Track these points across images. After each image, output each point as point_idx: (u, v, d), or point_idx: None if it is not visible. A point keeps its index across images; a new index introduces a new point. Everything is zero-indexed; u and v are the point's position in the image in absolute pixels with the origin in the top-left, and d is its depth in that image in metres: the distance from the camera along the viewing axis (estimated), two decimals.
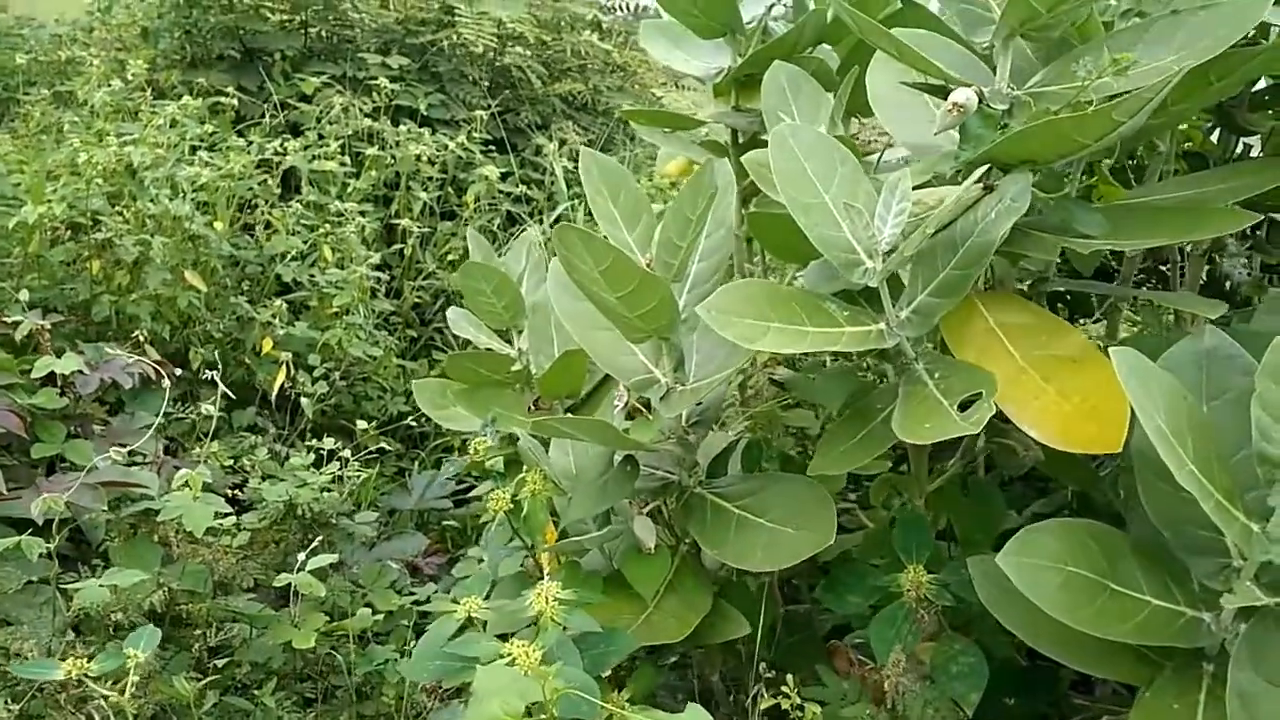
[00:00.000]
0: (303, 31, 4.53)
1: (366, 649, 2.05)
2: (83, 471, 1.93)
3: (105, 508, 1.97)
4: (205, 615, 2.04)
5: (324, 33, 4.56)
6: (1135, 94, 1.10)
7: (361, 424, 2.82)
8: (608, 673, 1.37)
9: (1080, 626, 1.10)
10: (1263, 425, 1.05)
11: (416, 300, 3.71)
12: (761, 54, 1.77)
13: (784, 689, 1.39)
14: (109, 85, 3.39)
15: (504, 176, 4.03)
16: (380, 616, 2.11)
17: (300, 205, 3.42)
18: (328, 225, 3.39)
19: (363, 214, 3.48)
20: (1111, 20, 1.37)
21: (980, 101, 1.26)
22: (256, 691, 1.94)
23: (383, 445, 2.79)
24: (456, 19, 4.56)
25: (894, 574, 1.43)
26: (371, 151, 3.71)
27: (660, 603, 1.48)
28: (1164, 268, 1.95)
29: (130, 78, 3.57)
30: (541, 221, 4.09)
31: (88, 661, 1.36)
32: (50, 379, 2.19)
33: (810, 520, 1.38)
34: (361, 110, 3.98)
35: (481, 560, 1.89)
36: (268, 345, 2.98)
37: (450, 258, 3.77)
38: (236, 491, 2.36)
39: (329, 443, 2.48)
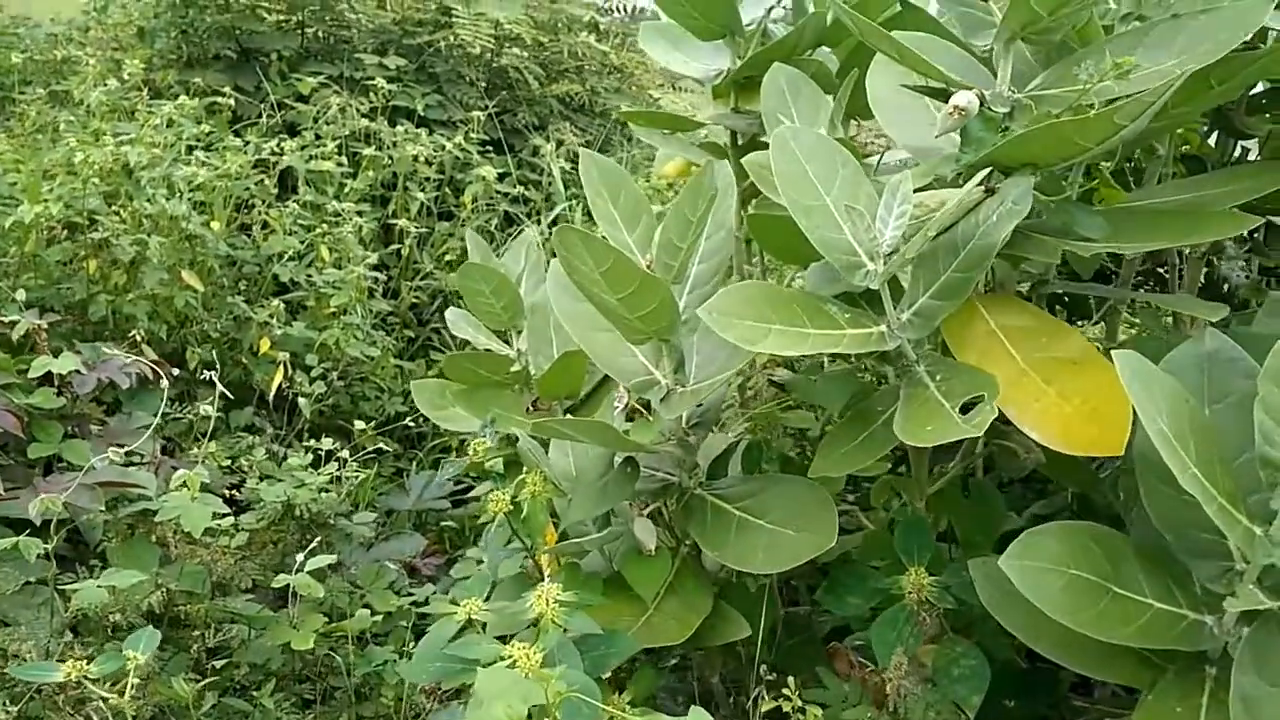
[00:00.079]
0: (299, 32, 4.53)
1: (365, 650, 2.05)
2: (80, 472, 1.93)
3: (103, 508, 1.96)
4: (203, 616, 2.04)
5: (320, 33, 4.55)
6: (1136, 98, 1.10)
7: (359, 424, 2.81)
8: (608, 675, 1.37)
9: (1082, 629, 1.10)
10: (1265, 429, 1.05)
11: (414, 300, 3.71)
12: (761, 56, 1.77)
13: (785, 691, 1.39)
14: (105, 85, 3.38)
15: (501, 177, 4.03)
16: (379, 617, 2.10)
17: (297, 205, 3.41)
18: (325, 225, 3.38)
19: (360, 214, 3.48)
20: (1112, 24, 1.37)
21: (981, 104, 1.26)
22: (255, 693, 1.93)
23: (380, 446, 2.79)
24: (454, 20, 4.55)
25: (894, 576, 1.43)
26: (368, 152, 3.70)
27: (660, 605, 1.48)
28: (1162, 270, 1.95)
29: (126, 77, 3.56)
30: (539, 222, 4.09)
31: (87, 663, 1.35)
32: (47, 379, 2.19)
33: (811, 522, 1.38)
34: (358, 111, 3.98)
35: (480, 561, 1.89)
36: (265, 345, 2.98)
37: (448, 258, 3.76)
38: (234, 492, 2.36)
39: (327, 443, 2.48)
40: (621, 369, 1.48)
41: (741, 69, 1.84)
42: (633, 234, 1.47)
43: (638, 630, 1.44)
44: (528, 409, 1.69)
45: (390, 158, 3.81)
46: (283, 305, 3.10)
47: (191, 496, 1.85)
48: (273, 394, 2.93)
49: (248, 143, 3.45)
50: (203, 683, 1.83)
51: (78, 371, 2.18)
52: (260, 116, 4.07)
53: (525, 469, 1.58)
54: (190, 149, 3.32)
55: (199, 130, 3.39)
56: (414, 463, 3.08)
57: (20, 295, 2.40)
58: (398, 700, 1.95)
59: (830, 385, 1.52)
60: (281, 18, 4.46)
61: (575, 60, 4.95)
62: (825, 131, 1.48)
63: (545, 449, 1.67)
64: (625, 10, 5.85)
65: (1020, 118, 1.29)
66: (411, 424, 3.13)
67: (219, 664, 2.00)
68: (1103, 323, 1.93)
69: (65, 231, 2.87)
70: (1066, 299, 1.93)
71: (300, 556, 1.91)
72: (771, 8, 1.87)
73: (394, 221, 3.73)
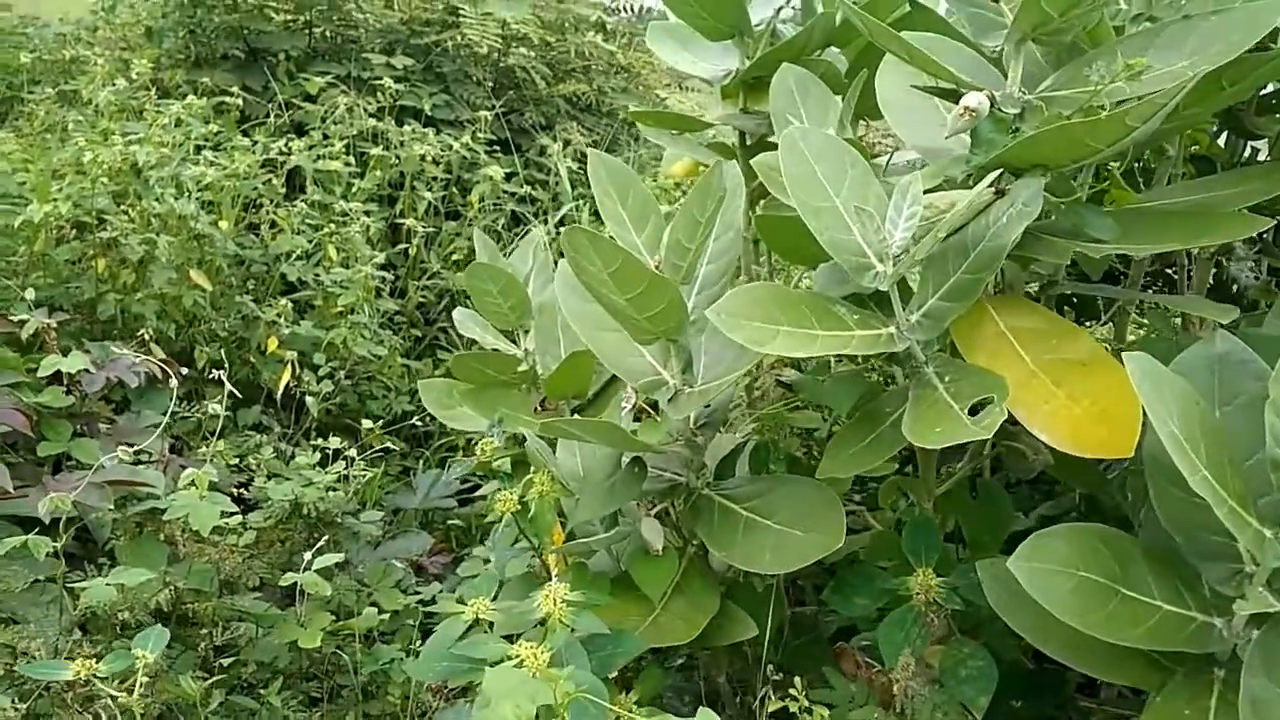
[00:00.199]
0: (307, 31, 4.54)
1: (372, 648, 2.05)
2: (89, 470, 1.93)
3: (111, 506, 1.97)
4: (211, 614, 2.05)
5: (328, 33, 4.56)
6: (1148, 99, 1.10)
7: (366, 423, 2.82)
8: (614, 674, 1.37)
9: (1091, 631, 1.10)
10: (1276, 431, 1.05)
11: (421, 300, 3.72)
12: (770, 56, 1.76)
13: (791, 691, 1.39)
14: (114, 84, 3.39)
15: (508, 177, 4.04)
16: (386, 616, 2.11)
17: (305, 205, 3.42)
18: (332, 225, 3.39)
19: (367, 214, 3.48)
20: (1123, 25, 1.37)
21: (992, 106, 1.26)
22: (262, 691, 1.94)
23: (388, 444, 2.79)
24: (461, 20, 4.56)
25: (902, 577, 1.43)
26: (376, 151, 3.71)
27: (668, 604, 1.48)
28: (1171, 271, 1.95)
29: (135, 77, 3.57)
30: (546, 222, 4.10)
31: (95, 661, 1.36)
32: (56, 377, 2.20)
33: (819, 523, 1.38)
34: (366, 110, 3.99)
35: (488, 560, 1.89)
36: (273, 344, 2.99)
37: (455, 258, 3.77)
38: (242, 490, 2.37)
39: (334, 442, 2.48)
40: (629, 369, 1.48)
41: (750, 69, 1.84)
42: (641, 234, 1.47)
43: (645, 630, 1.44)
44: (536, 409, 1.69)
45: (397, 157, 3.81)
46: (290, 304, 3.11)
47: (200, 495, 1.86)
48: (280, 393, 2.94)
49: (256, 142, 3.46)
50: (210, 680, 1.83)
51: (87, 370, 2.19)
52: (268, 116, 4.08)
53: (533, 469, 1.58)
54: (198, 148, 3.33)
55: (207, 130, 3.40)
56: (421, 461, 3.09)
57: (29, 294, 2.41)
58: (404, 698, 1.95)
59: (838, 386, 1.52)
60: (289, 17, 4.47)
61: (582, 60, 4.96)
62: (834, 132, 1.48)
63: (553, 449, 1.67)
64: (632, 10, 5.85)
65: (1031, 119, 1.29)
66: (419, 423, 3.13)
67: (226, 662, 2.00)
68: (1111, 323, 1.92)
69: (74, 231, 2.88)
70: (1075, 300, 1.93)
71: (308, 555, 1.91)
72: (780, 8, 1.87)
73: (401, 221, 3.74)
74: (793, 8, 1.91)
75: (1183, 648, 1.13)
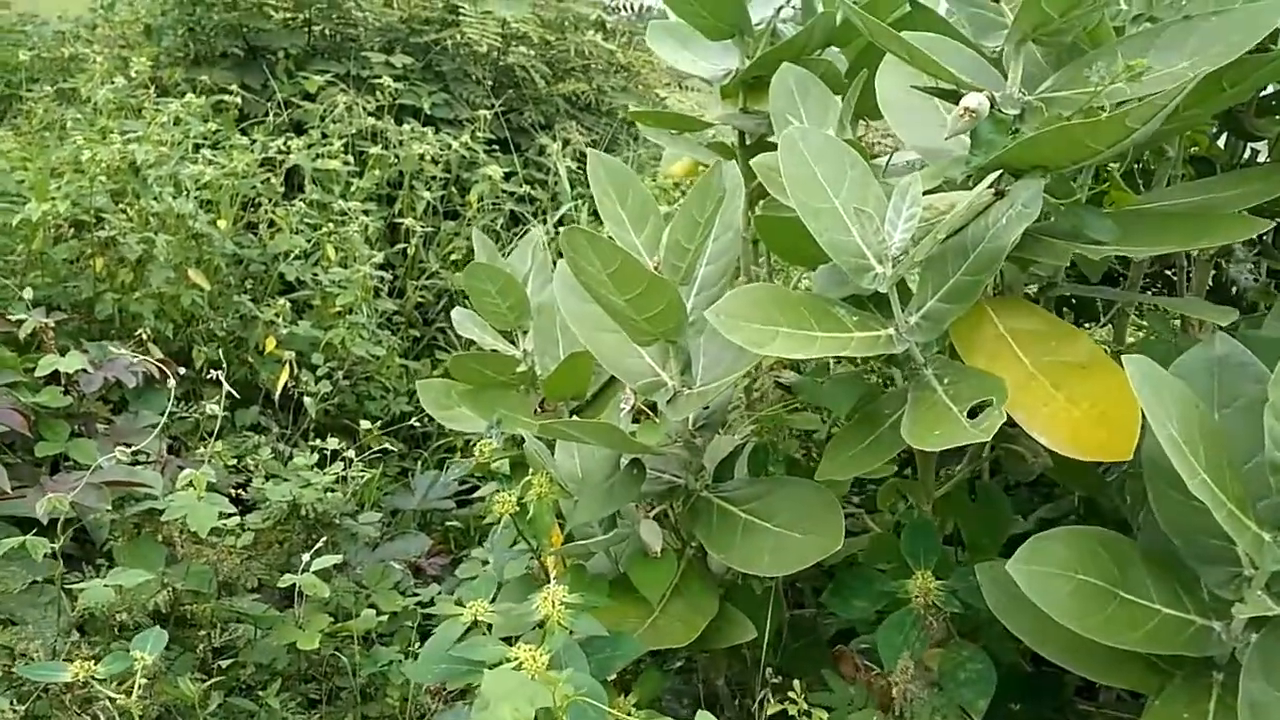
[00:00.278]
0: (306, 29, 4.53)
1: (371, 650, 2.05)
2: (87, 471, 1.93)
3: (109, 507, 1.97)
4: (209, 616, 2.04)
5: (327, 31, 4.56)
6: (1149, 100, 1.09)
7: (365, 424, 2.82)
8: (613, 677, 1.37)
9: (1090, 634, 1.10)
10: (1275, 434, 1.05)
11: (419, 300, 3.71)
12: (770, 56, 1.76)
13: (790, 695, 1.39)
14: (112, 82, 3.39)
15: (507, 176, 4.03)
16: (384, 617, 2.11)
17: (304, 204, 3.42)
18: (331, 224, 3.39)
19: (366, 213, 3.48)
20: (1123, 25, 1.36)
21: (992, 106, 1.25)
22: (261, 692, 1.94)
23: (386, 445, 2.79)
24: (461, 18, 4.55)
25: (901, 579, 1.43)
26: (375, 150, 3.71)
27: (666, 607, 1.48)
28: (1170, 272, 1.94)
29: (133, 75, 3.57)
30: (545, 221, 4.09)
31: (94, 663, 1.35)
32: (54, 377, 2.19)
33: (818, 525, 1.37)
34: (365, 109, 3.98)
35: (486, 562, 1.89)
36: (271, 344, 2.99)
37: (453, 257, 3.77)
38: (240, 491, 2.36)
39: (332, 442, 2.48)
40: (628, 370, 1.47)
41: (750, 69, 1.83)
42: (640, 235, 1.47)
43: (643, 632, 1.43)
44: (535, 410, 1.69)
45: (396, 156, 3.81)
46: (289, 304, 3.10)
47: (198, 496, 1.86)
48: (278, 393, 2.93)
49: (254, 141, 3.45)
50: (209, 682, 1.83)
51: (84, 370, 2.19)
52: (267, 115, 4.08)
53: (531, 470, 1.58)
54: (197, 147, 3.33)
55: (206, 128, 3.39)
56: (419, 462, 3.09)
57: (28, 293, 2.41)
58: (403, 700, 1.95)
59: (837, 388, 1.52)
60: (288, 15, 4.46)
61: (582, 59, 4.95)
62: (834, 132, 1.48)
63: (551, 450, 1.67)
64: (632, 9, 5.84)
65: (1031, 120, 1.29)
66: (417, 423, 3.13)
67: (225, 664, 2.00)
68: (1110, 325, 1.92)
69: (72, 230, 2.88)
70: (1074, 301, 1.93)
71: (306, 556, 1.91)
72: (780, 7, 1.86)
73: (400, 220, 3.73)
74: (793, 7, 1.90)
75: (1181, 651, 1.13)
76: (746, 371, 1.49)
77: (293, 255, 3.29)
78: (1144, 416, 1.06)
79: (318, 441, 2.50)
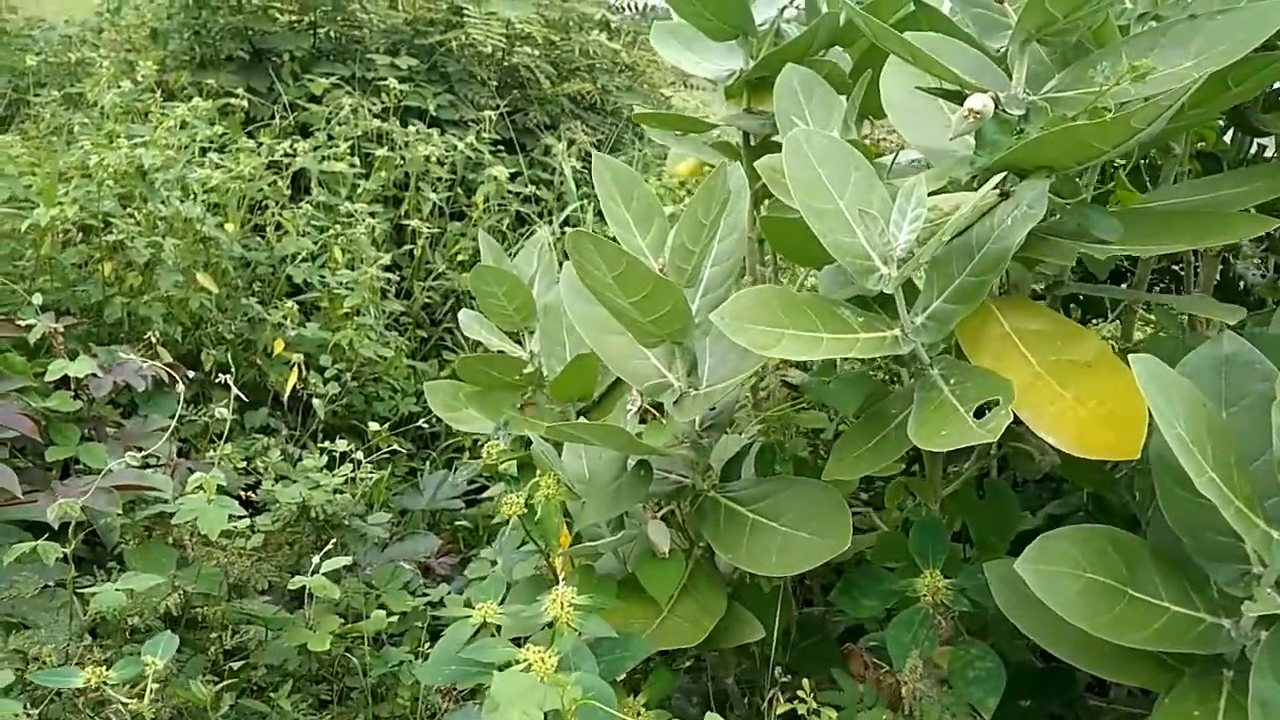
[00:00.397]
0: (311, 32, 4.54)
1: (381, 650, 2.06)
2: (97, 475, 1.94)
3: (120, 511, 1.98)
4: (220, 618, 2.05)
5: (332, 33, 4.56)
6: (1154, 100, 1.09)
7: (373, 425, 2.82)
8: (622, 676, 1.38)
9: (1099, 633, 1.10)
10: None
11: (426, 301, 3.72)
12: (774, 57, 1.76)
13: (799, 693, 1.39)
14: (119, 87, 3.40)
15: (513, 177, 4.04)
16: (394, 618, 2.11)
17: (310, 206, 3.43)
18: (338, 226, 3.40)
19: (372, 215, 3.49)
20: (1128, 24, 1.36)
21: (996, 107, 1.25)
22: (272, 694, 1.95)
23: (394, 446, 2.80)
24: (465, 19, 4.56)
25: (909, 578, 1.43)
26: (381, 152, 3.71)
27: (675, 607, 1.48)
28: (1178, 268, 1.94)
29: (140, 79, 3.58)
30: (551, 222, 4.10)
31: (106, 668, 1.36)
32: (64, 382, 2.20)
33: (825, 525, 1.38)
34: (370, 111, 3.99)
35: (495, 562, 1.90)
36: (279, 346, 2.99)
37: (460, 258, 3.77)
38: (250, 493, 2.37)
39: (341, 444, 2.49)
40: (635, 372, 1.48)
41: (754, 69, 1.83)
42: (645, 237, 1.47)
43: (652, 633, 1.44)
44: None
45: (402, 158, 3.82)
46: (296, 306, 3.11)
47: (208, 499, 1.86)
48: (287, 395, 2.94)
49: (261, 144, 3.46)
50: (220, 684, 1.84)
51: (94, 375, 2.19)
52: (273, 117, 4.09)
53: (539, 471, 1.58)
54: (204, 151, 3.34)
55: (212, 132, 3.40)
56: (428, 462, 3.09)
57: (37, 298, 2.42)
58: (414, 700, 1.96)
59: (844, 388, 1.52)
60: (294, 18, 4.47)
61: (586, 59, 4.95)
62: (838, 133, 1.48)
63: (559, 451, 1.67)
64: (636, 8, 5.84)
65: (1036, 120, 1.28)
66: (425, 424, 3.14)
67: (236, 665, 2.01)
68: (1118, 322, 1.92)
69: (80, 234, 2.89)
70: (1081, 298, 1.92)
71: (316, 558, 1.92)
72: (784, 8, 1.86)
73: (406, 222, 3.74)
74: (796, 8, 1.90)
75: (1191, 649, 1.13)
76: (753, 372, 1.49)
77: (300, 257, 3.30)
78: (1151, 415, 1.06)
79: (326, 443, 2.51)
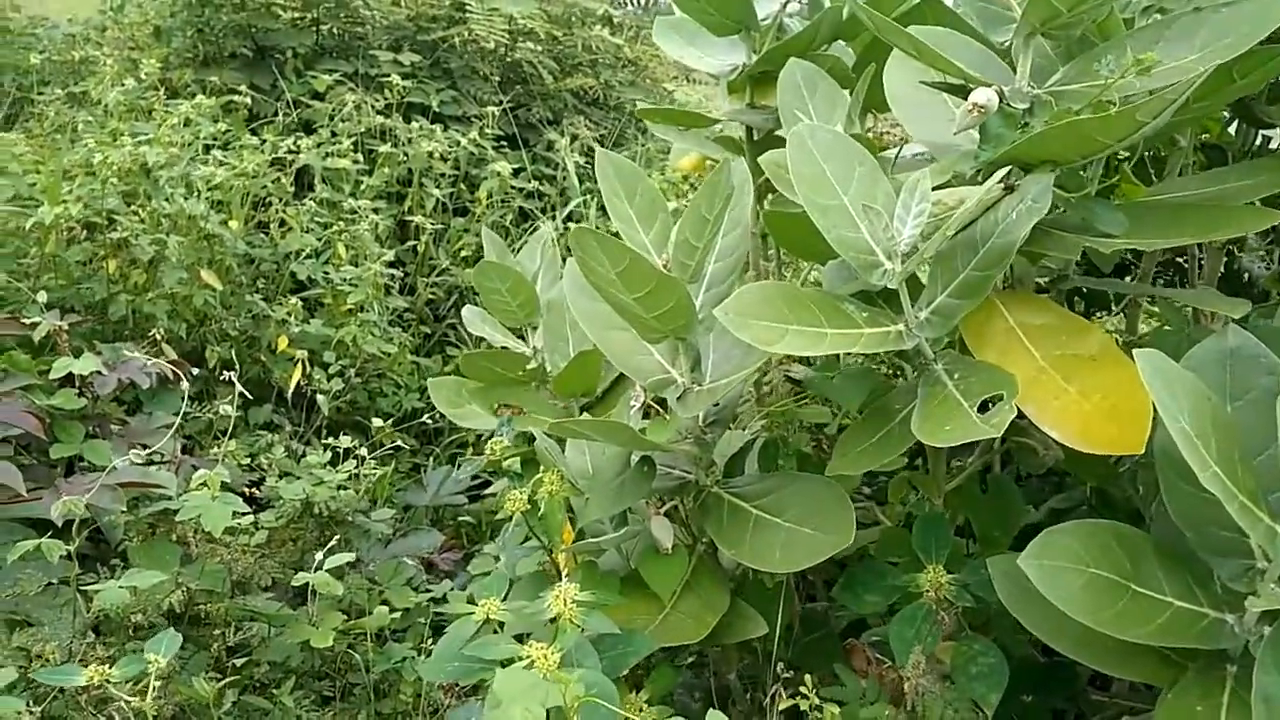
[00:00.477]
0: (314, 29, 4.54)
1: (384, 647, 2.06)
2: (102, 472, 1.94)
3: (124, 508, 1.98)
4: (224, 615, 2.05)
5: (335, 30, 4.56)
6: (1159, 94, 1.09)
7: (377, 421, 2.83)
8: (625, 672, 1.37)
9: (1102, 628, 1.10)
10: None
11: (430, 297, 3.72)
12: (777, 51, 1.76)
13: (802, 689, 1.39)
14: (122, 84, 3.40)
15: (516, 172, 4.03)
16: (397, 614, 2.11)
17: (314, 203, 3.43)
18: (341, 223, 3.40)
19: (376, 211, 3.49)
20: (1132, 17, 1.35)
21: (1001, 101, 1.25)
22: (275, 690, 1.95)
23: (398, 442, 2.80)
24: (467, 15, 4.55)
25: (912, 573, 1.42)
26: (384, 149, 3.71)
27: (678, 603, 1.48)
28: (1182, 260, 1.94)
29: (143, 77, 3.58)
30: (554, 217, 4.09)
31: (109, 666, 1.36)
32: (68, 379, 2.20)
33: (828, 521, 1.38)
34: (373, 107, 3.99)
35: (498, 558, 1.90)
36: (283, 343, 3.00)
37: (464, 254, 3.77)
38: (254, 490, 2.37)
39: (345, 440, 2.49)
40: (638, 368, 1.48)
41: (757, 64, 1.83)
42: (649, 233, 1.47)
43: (655, 629, 1.44)
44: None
45: (406, 154, 3.82)
46: (300, 303, 3.11)
47: (212, 495, 1.86)
48: (291, 391, 2.95)
49: (264, 141, 3.46)
50: (223, 681, 1.84)
51: (99, 372, 2.19)
52: (276, 114, 4.09)
53: (542, 468, 1.58)
54: (207, 148, 3.34)
55: (216, 129, 3.40)
56: (431, 458, 3.10)
57: (41, 296, 2.42)
58: (416, 697, 1.96)
59: (848, 383, 1.51)
60: (296, 15, 4.47)
61: (589, 54, 4.95)
62: (842, 127, 1.48)
63: (562, 447, 1.67)
64: (638, 3, 5.83)
65: (1040, 114, 1.28)
66: (429, 420, 3.14)
67: (239, 662, 2.01)
68: (1122, 315, 1.91)
69: (85, 232, 2.89)
70: (1085, 291, 1.92)
71: (319, 554, 1.92)
72: (786, 2, 1.86)
73: (410, 218, 3.74)
74: (799, 2, 1.90)
75: (1194, 644, 1.13)
76: (757, 368, 1.49)
77: (304, 254, 3.30)
78: (1155, 409, 1.06)
79: (330, 439, 2.51)
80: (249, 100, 3.79)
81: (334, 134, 3.80)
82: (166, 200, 2.93)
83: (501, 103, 4.39)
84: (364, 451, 2.51)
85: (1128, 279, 1.85)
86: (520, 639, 1.25)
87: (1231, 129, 1.74)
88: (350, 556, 1.98)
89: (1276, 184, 1.36)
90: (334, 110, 4.01)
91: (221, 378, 2.20)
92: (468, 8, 4.58)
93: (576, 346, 1.67)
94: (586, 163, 4.26)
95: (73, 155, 3.01)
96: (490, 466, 1.70)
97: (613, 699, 1.15)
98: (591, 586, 1.38)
